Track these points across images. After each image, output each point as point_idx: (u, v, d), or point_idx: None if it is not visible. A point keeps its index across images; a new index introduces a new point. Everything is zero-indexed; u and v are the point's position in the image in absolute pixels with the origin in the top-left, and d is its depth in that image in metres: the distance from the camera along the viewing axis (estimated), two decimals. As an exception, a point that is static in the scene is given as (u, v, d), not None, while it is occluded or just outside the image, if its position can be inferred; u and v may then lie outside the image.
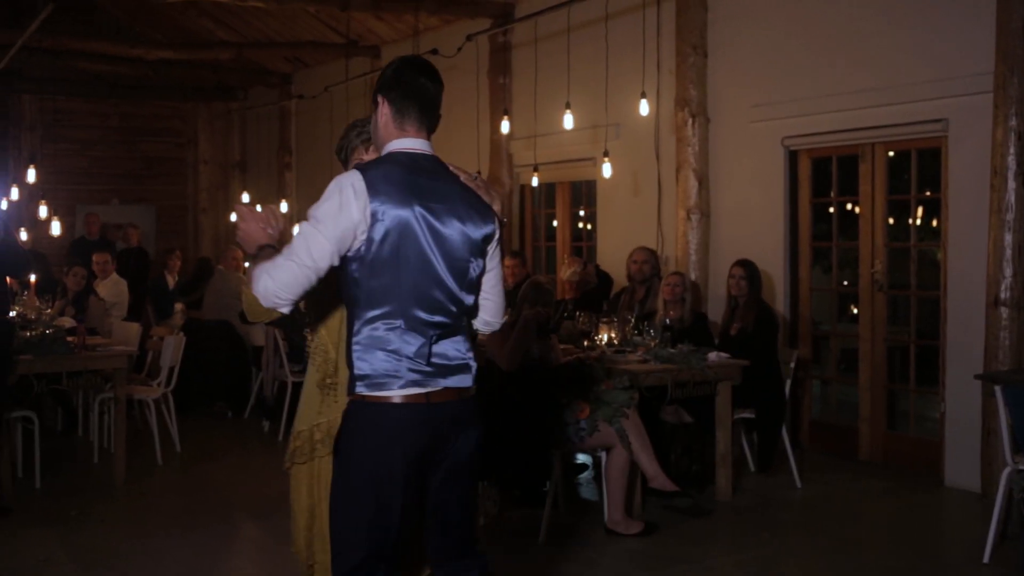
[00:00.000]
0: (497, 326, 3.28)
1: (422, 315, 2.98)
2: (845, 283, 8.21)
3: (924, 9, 6.99)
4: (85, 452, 8.15)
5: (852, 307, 8.13)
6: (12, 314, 6.93)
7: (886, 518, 6.50)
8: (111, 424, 7.66)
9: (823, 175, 8.07)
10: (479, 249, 3.11)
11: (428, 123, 3.13)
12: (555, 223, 10.82)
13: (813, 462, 7.54)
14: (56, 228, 12.30)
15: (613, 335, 6.85)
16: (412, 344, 2.96)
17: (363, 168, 2.98)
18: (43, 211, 12.63)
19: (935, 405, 7.29)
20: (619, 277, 8.42)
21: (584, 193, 10.45)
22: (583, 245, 10.52)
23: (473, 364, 3.11)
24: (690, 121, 8.53)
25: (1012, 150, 6.34)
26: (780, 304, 8.00)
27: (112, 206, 15.79)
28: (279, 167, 15.55)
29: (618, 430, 5.86)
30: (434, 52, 10.29)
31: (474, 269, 3.10)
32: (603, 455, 6.00)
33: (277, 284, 2.89)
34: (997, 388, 5.43)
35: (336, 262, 2.93)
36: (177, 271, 11.98)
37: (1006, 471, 5.43)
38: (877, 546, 5.89)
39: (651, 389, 6.36)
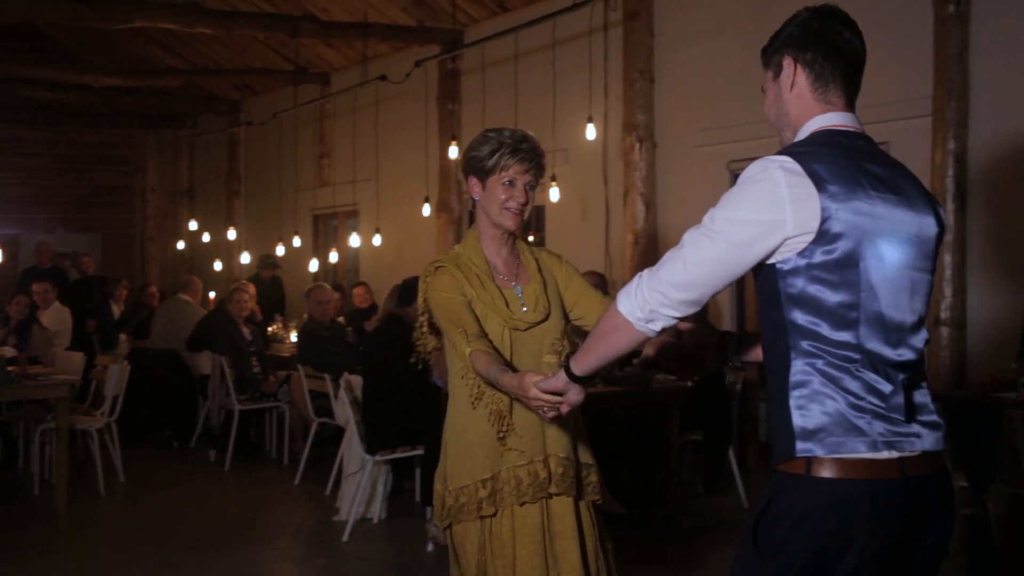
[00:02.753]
0: None
1: (885, 351, 2.22)
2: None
3: (865, 34, 7.08)
4: (26, 483, 8.01)
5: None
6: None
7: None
8: (52, 454, 7.53)
9: (768, 199, 8.14)
10: (933, 257, 2.37)
11: (855, 93, 2.42)
12: (505, 249, 10.81)
13: (760, 483, 7.56)
14: (-2, 256, 12.14)
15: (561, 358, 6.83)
16: (879, 388, 2.19)
17: (794, 153, 2.23)
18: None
19: (880, 425, 7.35)
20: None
21: (532, 217, 10.48)
22: (533, 270, 10.51)
23: (942, 422, 2.33)
24: (637, 145, 8.60)
25: (951, 172, 6.44)
26: (727, 326, 8.06)
27: (57, 235, 15.59)
28: (227, 194, 15.46)
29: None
30: (383, 78, 10.30)
31: (929, 284, 2.37)
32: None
33: (652, 290, 2.26)
34: (938, 407, 5.48)
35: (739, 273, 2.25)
36: (123, 300, 11.85)
37: (948, 489, 5.48)
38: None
39: (599, 412, 6.36)
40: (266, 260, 11.96)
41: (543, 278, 3.29)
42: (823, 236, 2.16)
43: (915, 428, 2.21)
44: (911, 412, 2.22)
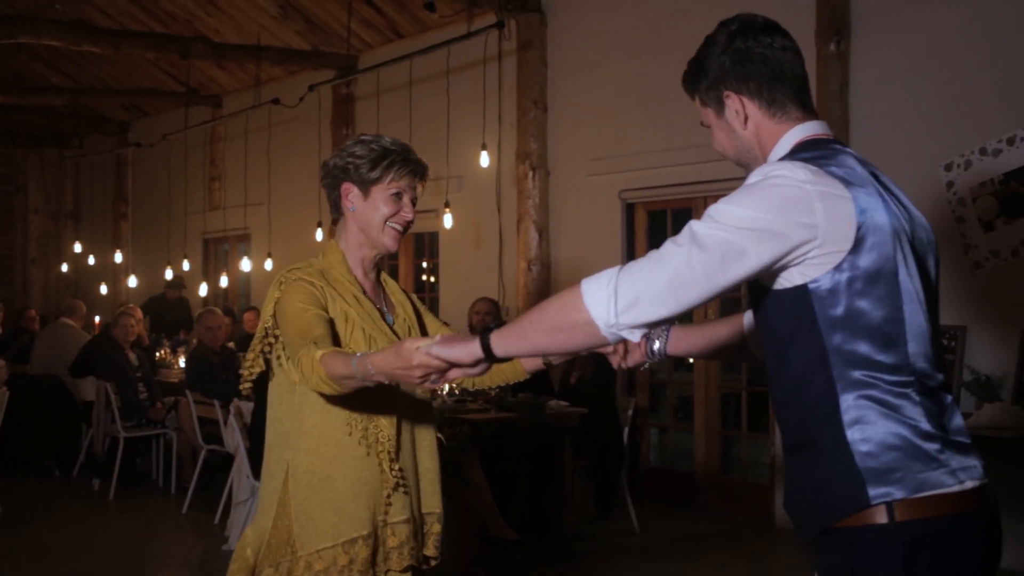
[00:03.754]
0: None
1: (932, 370, 1.95)
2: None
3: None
4: None
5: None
6: None
7: (720, 560, 6.65)
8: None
9: (659, 227, 8.31)
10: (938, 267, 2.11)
11: (811, 101, 2.14)
12: (398, 274, 10.81)
13: (651, 507, 7.67)
14: None
15: (453, 385, 6.85)
16: (937, 413, 1.92)
17: (807, 159, 1.95)
18: None
19: (766, 450, 7.54)
20: (461, 328, 8.45)
21: (427, 244, 10.49)
22: (426, 296, 10.53)
23: None
24: (530, 174, 8.69)
25: (832, 204, 6.66)
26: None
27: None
28: (114, 216, 15.15)
29: (460, 480, 5.86)
30: (276, 102, 10.23)
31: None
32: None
33: (643, 291, 1.87)
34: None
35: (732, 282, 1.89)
36: (1, 324, 11.48)
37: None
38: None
39: (491, 438, 6.38)
40: (173, 281, 11.78)
41: (414, 310, 2.92)
42: (860, 244, 1.87)
43: (975, 453, 1.94)
44: (969, 438, 1.95)
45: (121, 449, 8.47)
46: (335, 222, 2.83)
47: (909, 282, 1.93)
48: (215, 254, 13.63)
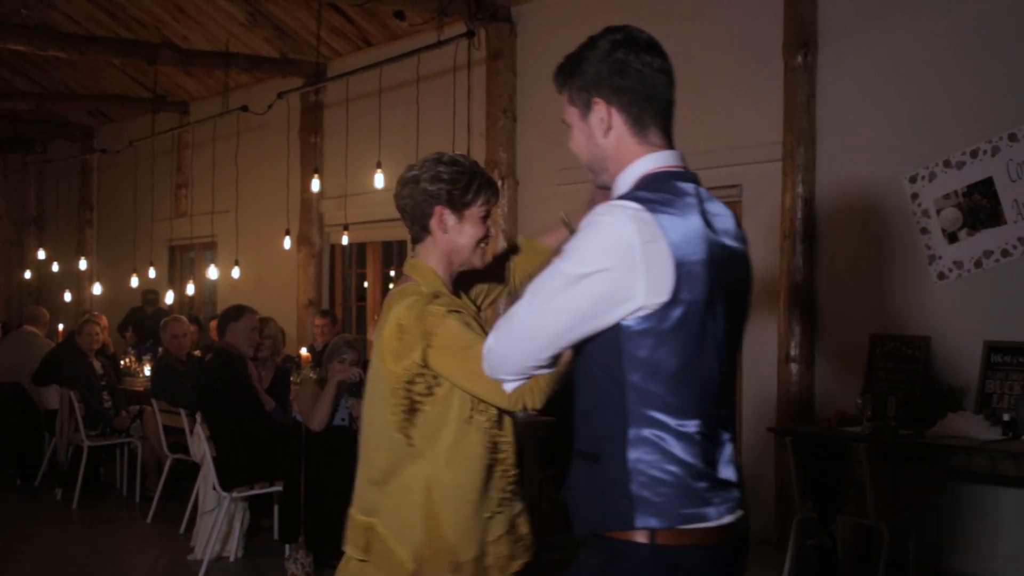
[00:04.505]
0: None
1: (719, 410, 2.13)
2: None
3: (719, 81, 7.37)
4: None
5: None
6: None
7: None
8: None
9: (627, 237, 8.32)
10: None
11: (671, 125, 2.23)
12: (366, 283, 10.78)
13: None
14: None
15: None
16: (713, 452, 2.11)
17: (642, 200, 2.05)
18: None
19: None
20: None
21: (395, 253, 10.47)
22: (395, 305, 10.49)
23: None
24: (500, 183, 8.70)
25: (799, 215, 6.72)
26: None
27: None
28: (79, 223, 15.00)
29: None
30: (244, 109, 10.18)
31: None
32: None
33: (511, 351, 2.16)
34: (788, 440, 5.69)
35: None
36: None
37: (797, 519, 5.68)
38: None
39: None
40: (148, 296, 11.74)
41: None
42: (675, 297, 2.01)
43: (737, 489, 2.15)
44: (736, 472, 2.15)
45: (85, 458, 8.40)
46: (416, 240, 2.85)
47: (713, 330, 2.07)
48: (181, 262, 13.54)
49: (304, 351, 9.31)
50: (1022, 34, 5.97)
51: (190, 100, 12.75)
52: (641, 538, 2.03)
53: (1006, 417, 5.56)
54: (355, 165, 9.88)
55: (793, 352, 6.73)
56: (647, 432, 2.04)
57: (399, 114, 9.27)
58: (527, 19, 8.74)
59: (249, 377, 6.69)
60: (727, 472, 2.12)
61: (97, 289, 12.14)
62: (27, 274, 14.87)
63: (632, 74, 2.15)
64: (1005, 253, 6.01)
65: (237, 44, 10.71)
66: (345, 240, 9.68)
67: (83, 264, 13.35)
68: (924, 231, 6.31)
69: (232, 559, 6.59)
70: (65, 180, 15.32)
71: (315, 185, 9.59)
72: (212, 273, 10.96)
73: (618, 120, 2.17)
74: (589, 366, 2.11)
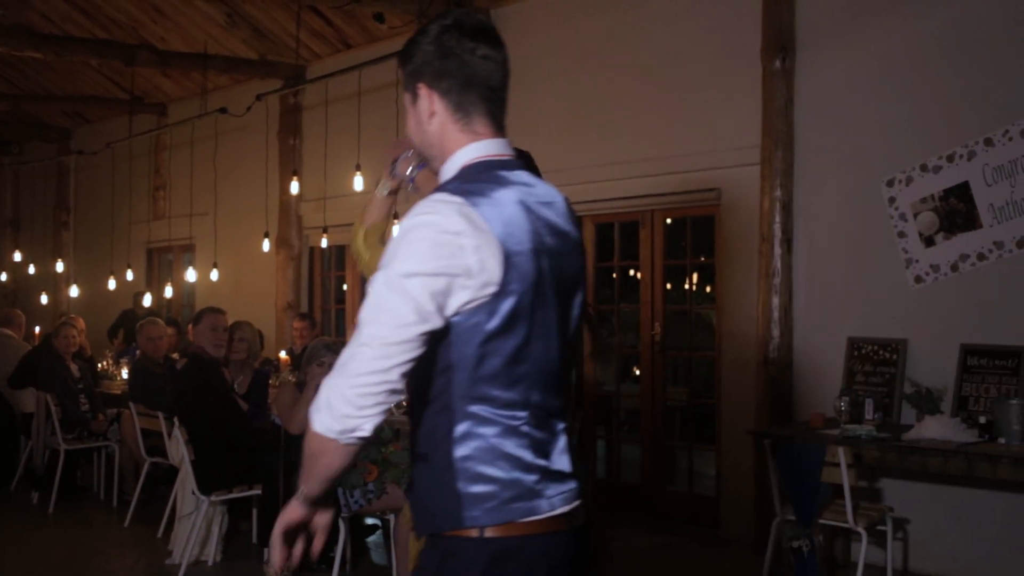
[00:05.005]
0: None
1: (549, 402, 2.10)
2: (628, 345, 8.49)
3: (699, 85, 7.40)
4: None
5: (635, 368, 8.40)
6: None
7: (667, 571, 6.69)
8: None
9: (606, 240, 8.35)
10: (585, 286, 2.24)
11: (502, 115, 2.17)
12: (345, 286, 10.76)
13: (598, 519, 7.69)
14: None
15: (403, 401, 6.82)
16: (544, 444, 2.08)
17: (464, 192, 2.01)
18: None
19: (712, 462, 7.59)
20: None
21: (374, 255, 10.43)
22: (374, 307, 10.47)
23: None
24: (479, 186, 8.68)
25: (777, 219, 6.75)
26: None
27: None
28: (55, 225, 14.91)
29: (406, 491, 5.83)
30: (223, 111, 10.14)
31: (580, 320, 2.23)
32: (392, 517, 5.95)
33: (354, 392, 1.92)
34: (767, 443, 5.72)
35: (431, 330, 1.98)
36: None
37: (776, 521, 5.71)
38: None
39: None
40: (139, 297, 11.67)
41: None
42: (503, 289, 1.97)
43: (573, 479, 2.11)
44: (572, 462, 2.11)
45: (62, 462, 8.34)
46: None
47: (544, 319, 2.04)
48: (159, 264, 13.46)
49: (283, 354, 9.28)
50: (998, 40, 6.02)
51: (168, 102, 12.69)
52: (472, 535, 2.01)
53: (982, 420, 5.61)
54: (334, 168, 9.86)
55: (771, 355, 6.76)
56: (472, 428, 2.01)
57: (378, 117, 9.25)
58: (505, 22, 8.73)
59: (224, 381, 6.67)
60: (561, 463, 2.08)
61: (74, 291, 12.05)
62: (3, 276, 14.74)
63: (454, 60, 2.10)
64: (981, 257, 6.06)
65: (215, 45, 10.67)
66: (324, 243, 9.66)
67: (60, 266, 13.26)
68: (901, 235, 6.36)
69: (210, 563, 6.56)
70: (41, 182, 15.21)
71: (294, 187, 9.57)
72: (190, 276, 10.89)
73: (440, 107, 2.13)
74: (422, 362, 2.01)
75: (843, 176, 6.62)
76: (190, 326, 10.31)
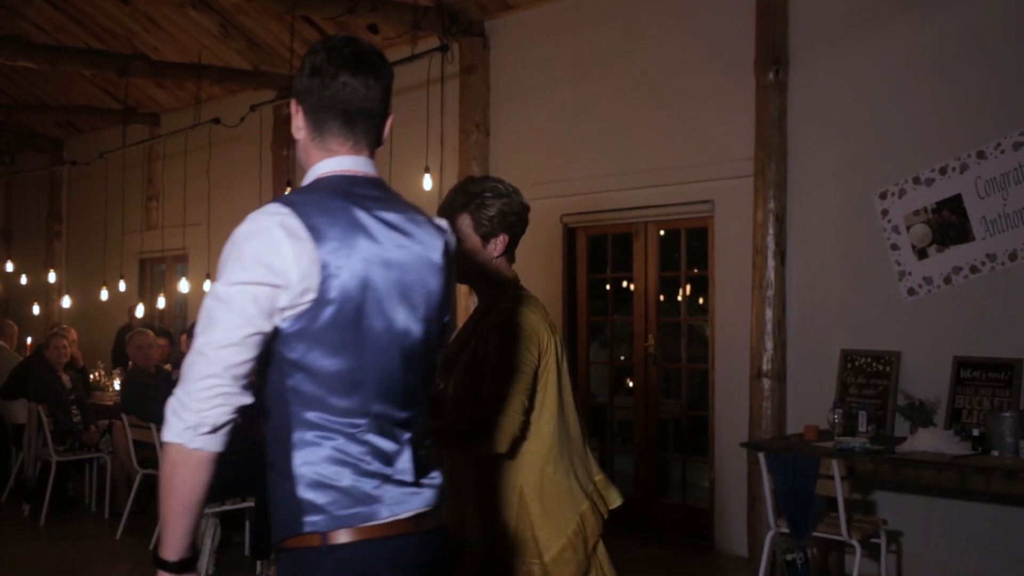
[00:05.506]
0: None
1: (393, 412, 2.13)
2: (622, 357, 8.49)
3: (692, 97, 7.41)
4: None
5: (628, 380, 8.40)
6: None
7: (661, 585, 6.69)
8: None
9: (599, 251, 8.36)
10: (445, 306, 2.28)
11: (364, 136, 2.22)
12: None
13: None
14: None
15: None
16: (385, 452, 2.11)
17: (291, 202, 2.08)
18: None
19: (706, 473, 7.59)
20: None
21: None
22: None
23: (441, 478, 2.23)
24: (473, 197, 8.69)
25: (771, 231, 6.76)
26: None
27: None
28: (47, 235, 14.87)
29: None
30: (216, 121, 10.13)
31: (441, 335, 2.29)
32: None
33: (191, 398, 2.00)
34: (761, 456, 5.72)
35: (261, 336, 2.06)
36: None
37: (770, 534, 5.71)
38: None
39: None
40: (132, 311, 11.63)
41: None
42: (324, 295, 2.03)
43: (423, 485, 2.15)
44: (418, 471, 2.14)
45: (53, 473, 8.31)
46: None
47: (380, 331, 2.09)
48: (152, 274, 13.44)
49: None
50: (991, 52, 6.05)
51: (161, 112, 12.68)
52: (313, 542, 2.04)
53: (975, 432, 5.61)
54: (328, 178, 9.84)
55: (765, 367, 6.76)
56: (309, 435, 2.05)
57: (372, 128, 9.26)
58: (500, 34, 8.76)
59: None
60: (404, 471, 2.11)
61: (66, 302, 12.03)
62: (-7, 287, 14.72)
63: (317, 81, 2.18)
64: (974, 269, 6.08)
65: (209, 56, 10.66)
66: (317, 253, 9.63)
67: (52, 277, 13.23)
68: (894, 247, 6.37)
69: (203, 575, 6.54)
70: (34, 192, 15.18)
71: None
72: (183, 286, 10.88)
73: (303, 123, 2.23)
74: (260, 376, 2.10)
75: (836, 188, 6.64)
76: (183, 336, 10.31)
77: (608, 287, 8.42)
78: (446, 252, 2.28)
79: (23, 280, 13.71)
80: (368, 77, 2.20)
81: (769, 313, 6.76)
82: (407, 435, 2.14)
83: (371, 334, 2.07)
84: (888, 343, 6.36)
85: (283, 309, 2.02)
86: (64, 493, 8.73)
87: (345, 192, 2.15)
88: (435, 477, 2.19)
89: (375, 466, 2.07)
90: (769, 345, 6.76)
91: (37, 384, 8.65)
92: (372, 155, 2.25)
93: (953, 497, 5.99)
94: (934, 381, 6.10)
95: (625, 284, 8.31)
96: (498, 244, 3.10)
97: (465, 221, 3.08)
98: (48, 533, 8.07)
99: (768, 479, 5.64)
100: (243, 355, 2.00)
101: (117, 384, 9.47)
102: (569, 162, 8.19)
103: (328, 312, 2.03)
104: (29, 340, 11.87)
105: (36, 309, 13.35)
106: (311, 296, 2.01)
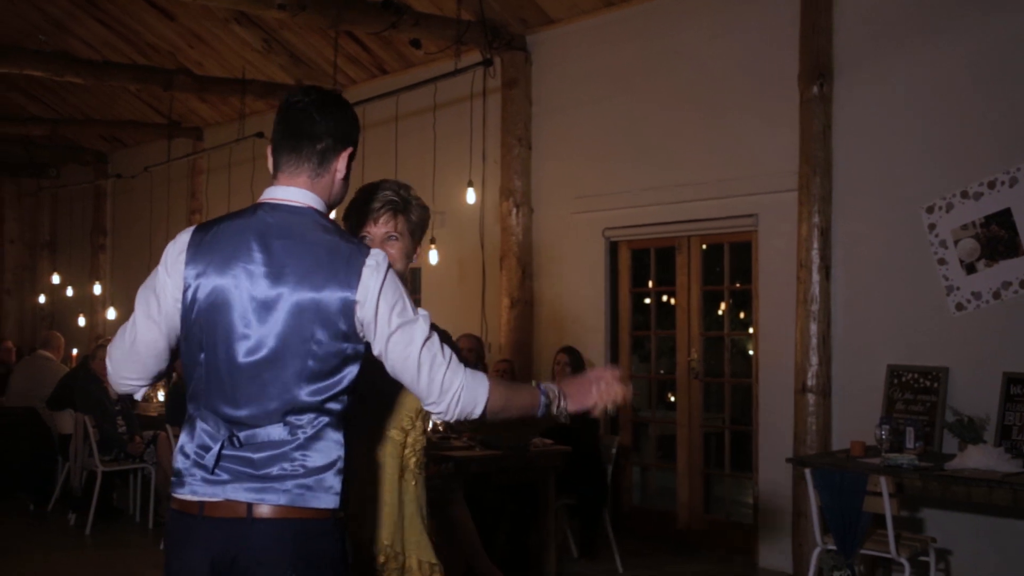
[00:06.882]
0: (447, 414, 2.51)
1: (221, 408, 2.45)
2: (662, 371, 8.46)
3: (736, 111, 7.38)
4: None
5: (670, 395, 8.37)
6: None
7: (704, 601, 6.65)
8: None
9: (642, 266, 8.34)
10: (330, 323, 2.44)
11: (303, 166, 2.57)
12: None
13: (634, 547, 7.65)
14: None
15: (438, 421, 6.82)
16: (205, 440, 2.46)
17: (208, 221, 2.58)
18: None
19: (749, 489, 7.54)
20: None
21: (409, 280, 10.47)
22: (408, 331, 10.49)
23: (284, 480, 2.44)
24: (514, 211, 8.71)
25: (816, 245, 6.71)
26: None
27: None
28: (92, 248, 15.04)
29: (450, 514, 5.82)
30: (260, 135, 10.23)
31: (319, 355, 2.43)
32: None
33: (113, 363, 2.65)
34: (807, 471, 5.67)
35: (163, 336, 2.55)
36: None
37: (816, 551, 5.65)
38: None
39: (476, 475, 6.35)
40: None
41: None
42: (188, 308, 2.47)
43: (224, 477, 2.44)
44: (219, 462, 2.44)
45: (99, 483, 8.39)
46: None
47: (220, 332, 2.45)
48: (194, 287, 13.55)
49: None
50: (1040, 66, 5.98)
51: (204, 126, 12.81)
52: (174, 505, 2.53)
53: (1026, 449, 5.54)
54: (370, 192, 9.89)
55: (810, 382, 6.71)
56: (187, 422, 2.53)
57: (415, 141, 9.31)
58: (542, 48, 8.78)
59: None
60: (209, 461, 2.43)
61: (111, 314, 12.17)
62: (41, 299, 14.90)
63: (278, 122, 2.60)
64: (1024, 284, 6.00)
65: (252, 71, 10.76)
66: (359, 267, 9.68)
67: (97, 289, 13.38)
68: (942, 262, 6.31)
69: (246, 587, 6.55)
70: (79, 205, 15.39)
71: (331, 213, 9.61)
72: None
73: (271, 158, 2.63)
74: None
75: (882, 202, 6.58)
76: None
77: (650, 301, 8.40)
78: (345, 289, 2.55)
79: (69, 292, 13.88)
80: (315, 116, 2.63)
81: (814, 328, 6.71)
82: (226, 432, 2.48)
83: (214, 335, 2.49)
84: (936, 359, 6.29)
85: (164, 309, 2.56)
86: (109, 503, 8.81)
87: (250, 212, 2.59)
88: (255, 470, 2.47)
89: (192, 449, 2.51)
90: (814, 360, 6.71)
91: (83, 395, 8.74)
92: (313, 184, 2.67)
93: (1004, 516, 5.91)
94: (983, 397, 6.03)
95: (666, 298, 8.28)
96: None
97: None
98: (93, 542, 8.14)
99: (815, 495, 5.59)
100: (144, 340, 2.61)
101: (161, 395, 9.55)
102: (612, 176, 8.19)
103: (185, 313, 2.52)
104: (75, 352, 12.01)
105: (82, 321, 13.52)
106: (178, 296, 2.52)
